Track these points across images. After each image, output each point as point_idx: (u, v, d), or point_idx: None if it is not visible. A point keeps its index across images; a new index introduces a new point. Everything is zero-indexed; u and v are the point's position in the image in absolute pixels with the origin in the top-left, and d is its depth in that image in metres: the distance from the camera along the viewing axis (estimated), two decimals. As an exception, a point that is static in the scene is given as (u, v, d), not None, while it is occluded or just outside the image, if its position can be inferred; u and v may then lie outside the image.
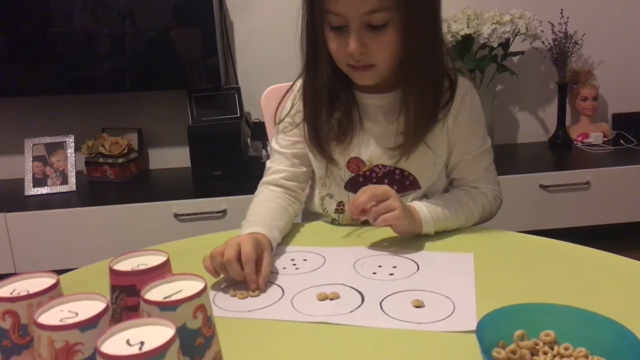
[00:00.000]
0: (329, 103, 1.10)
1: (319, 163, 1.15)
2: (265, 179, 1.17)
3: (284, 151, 1.16)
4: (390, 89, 1.09)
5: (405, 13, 0.97)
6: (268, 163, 1.19)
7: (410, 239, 1.03)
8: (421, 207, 1.04)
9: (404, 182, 1.12)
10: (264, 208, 1.08)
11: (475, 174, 1.14)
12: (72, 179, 2.39)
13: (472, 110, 1.11)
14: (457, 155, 1.13)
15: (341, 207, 1.16)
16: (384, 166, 1.12)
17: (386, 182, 1.11)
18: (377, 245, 1.02)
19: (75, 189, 2.37)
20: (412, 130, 1.06)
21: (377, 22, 0.97)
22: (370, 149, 1.11)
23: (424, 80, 1.04)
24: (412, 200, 1.11)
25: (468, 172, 1.14)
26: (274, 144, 1.19)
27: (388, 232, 1.04)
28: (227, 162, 2.35)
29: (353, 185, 1.13)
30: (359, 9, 0.95)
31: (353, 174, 1.13)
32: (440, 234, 1.05)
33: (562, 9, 2.43)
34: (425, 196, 1.13)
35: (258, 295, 0.86)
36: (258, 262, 0.89)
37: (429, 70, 1.04)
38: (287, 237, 1.08)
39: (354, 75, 1.05)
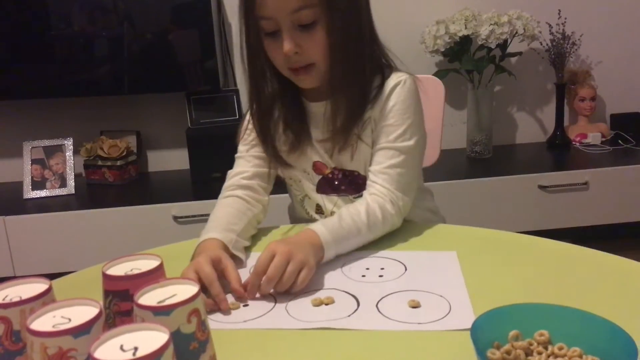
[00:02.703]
0: (280, 114, 1.11)
1: (285, 172, 1.16)
2: (225, 184, 1.15)
3: (245, 155, 1.16)
4: (330, 94, 1.09)
5: (328, 9, 0.98)
6: (229, 171, 1.17)
7: (394, 239, 1.04)
8: (319, 229, 0.96)
9: (358, 182, 1.12)
10: (220, 214, 1.06)
11: (376, 166, 1.07)
12: (71, 182, 2.39)
13: (396, 103, 1.07)
14: (374, 148, 1.09)
15: (320, 209, 1.17)
16: (342, 169, 1.13)
17: (348, 182, 1.12)
18: (360, 248, 1.01)
19: (74, 192, 2.37)
20: (341, 129, 1.06)
21: (306, 21, 0.98)
22: (323, 154, 1.12)
23: (350, 77, 1.04)
24: None
25: (372, 163, 1.08)
26: (237, 154, 1.18)
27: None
28: (226, 164, 2.31)
29: (323, 188, 1.15)
30: (285, 8, 0.97)
31: (320, 176, 1.14)
32: (431, 232, 1.06)
33: (559, 10, 2.43)
34: None
35: (248, 299, 0.85)
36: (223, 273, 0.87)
37: (354, 68, 1.04)
38: (267, 243, 1.07)
39: (297, 80, 1.06)
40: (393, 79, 1.08)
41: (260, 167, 1.15)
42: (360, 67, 1.05)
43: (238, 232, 1.01)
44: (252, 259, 1.00)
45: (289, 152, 1.12)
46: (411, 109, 1.08)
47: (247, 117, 1.16)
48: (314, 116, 1.12)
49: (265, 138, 1.12)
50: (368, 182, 1.08)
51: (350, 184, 1.13)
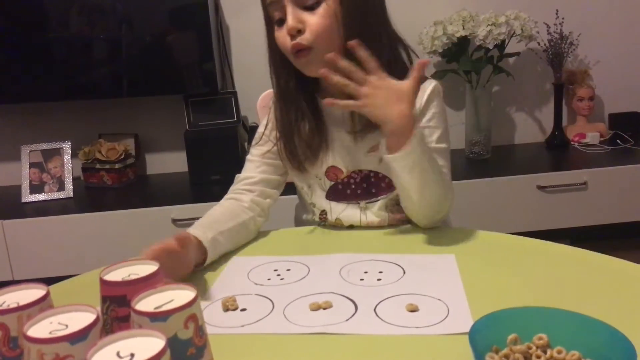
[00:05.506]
0: (297, 119, 1.10)
1: (297, 176, 1.16)
2: (232, 187, 1.16)
3: (254, 159, 1.17)
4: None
5: None
6: (237, 175, 1.18)
7: (393, 243, 1.03)
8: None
9: (380, 184, 1.12)
10: (211, 213, 1.08)
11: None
12: (69, 185, 2.38)
13: (437, 107, 1.11)
14: None
15: (324, 216, 1.16)
16: (360, 171, 1.12)
17: (365, 186, 1.12)
18: (359, 252, 1.01)
19: (72, 195, 2.36)
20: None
21: (310, 1, 0.99)
22: (343, 156, 1.12)
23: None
24: (389, 200, 1.11)
25: None
26: (247, 156, 1.19)
27: (368, 237, 1.05)
28: (225, 166, 2.32)
29: (333, 194, 1.14)
30: None
31: (332, 182, 1.14)
32: (429, 236, 1.05)
33: (557, 10, 2.43)
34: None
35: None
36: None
37: (370, 48, 1.02)
38: (265, 246, 1.07)
39: (298, 64, 1.05)
40: (429, 82, 1.11)
41: (268, 173, 1.16)
42: (376, 49, 1.01)
43: (220, 231, 1.01)
44: (236, 264, 1.00)
45: (306, 157, 1.12)
46: (444, 115, 1.12)
47: (264, 121, 1.16)
48: (333, 118, 1.11)
49: (288, 141, 1.11)
50: None
51: (370, 186, 1.12)
